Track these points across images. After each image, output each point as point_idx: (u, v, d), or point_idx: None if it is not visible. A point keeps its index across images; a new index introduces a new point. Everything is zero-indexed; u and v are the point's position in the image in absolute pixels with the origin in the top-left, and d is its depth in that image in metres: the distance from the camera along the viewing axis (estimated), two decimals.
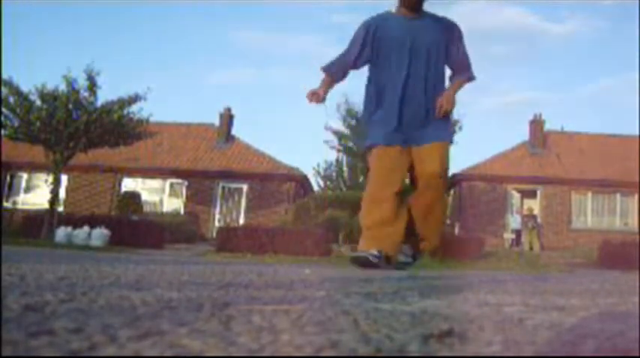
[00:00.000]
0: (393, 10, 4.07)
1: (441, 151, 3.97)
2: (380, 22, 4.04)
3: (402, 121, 3.96)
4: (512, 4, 54.04)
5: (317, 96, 4.18)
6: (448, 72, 4.22)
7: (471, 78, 4.19)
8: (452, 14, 53.71)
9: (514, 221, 21.44)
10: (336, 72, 4.33)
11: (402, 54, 3.93)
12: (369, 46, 4.03)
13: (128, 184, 22.78)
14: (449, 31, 4.05)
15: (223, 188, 22.92)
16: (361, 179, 29.86)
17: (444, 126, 4.06)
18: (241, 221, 22.02)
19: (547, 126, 24.65)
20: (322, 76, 4.44)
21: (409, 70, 3.93)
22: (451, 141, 4.17)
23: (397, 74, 3.95)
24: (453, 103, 3.98)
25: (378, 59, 4.04)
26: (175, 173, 22.88)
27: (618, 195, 22.02)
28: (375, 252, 3.84)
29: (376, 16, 4.10)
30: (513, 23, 53.61)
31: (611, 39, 54.17)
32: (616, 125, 67.27)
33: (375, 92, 4.10)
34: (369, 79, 4.18)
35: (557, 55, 56.52)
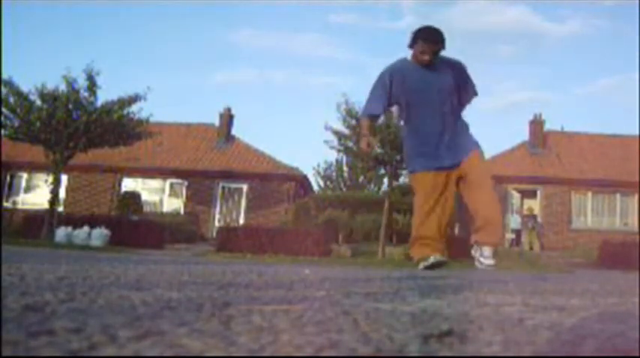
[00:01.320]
0: (409, 57, 4.78)
1: (479, 157, 4.86)
2: (404, 71, 4.77)
3: (440, 151, 4.76)
4: (514, 4, 54.04)
5: (370, 144, 4.95)
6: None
7: (475, 94, 4.95)
8: (454, 14, 53.65)
9: (513, 221, 21.44)
10: (375, 117, 5.15)
11: (426, 101, 4.73)
12: (398, 94, 4.77)
13: (128, 184, 22.77)
14: (456, 70, 4.78)
15: (223, 188, 22.92)
16: (361, 179, 29.91)
17: (469, 139, 4.90)
18: (241, 221, 22.02)
19: (547, 126, 24.65)
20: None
21: (435, 110, 4.73)
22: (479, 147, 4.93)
23: (428, 115, 4.75)
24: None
25: (409, 106, 4.81)
26: (175, 173, 22.88)
27: (618, 195, 22.02)
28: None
29: (398, 64, 4.83)
30: (515, 23, 53.62)
31: (612, 39, 54.18)
32: (616, 125, 67.28)
33: (412, 130, 4.93)
34: (405, 121, 5.02)
35: (558, 54, 56.54)
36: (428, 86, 4.69)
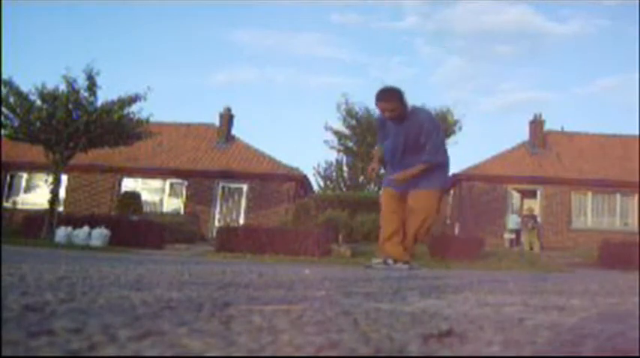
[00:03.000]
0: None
1: (427, 196, 5.61)
2: (384, 123, 5.69)
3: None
4: (515, 4, 54.01)
5: (374, 170, 6.05)
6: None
7: (425, 161, 5.54)
8: (455, 13, 53.57)
9: (512, 221, 21.44)
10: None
11: (400, 152, 5.60)
12: (384, 134, 5.76)
13: (128, 184, 22.76)
14: (420, 125, 5.46)
15: (223, 188, 22.92)
16: (361, 179, 29.93)
17: (429, 179, 5.59)
18: (241, 221, 22.01)
19: (547, 126, 24.65)
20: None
21: (398, 154, 5.62)
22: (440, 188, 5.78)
23: (394, 157, 5.68)
24: (403, 180, 5.57)
25: (385, 148, 5.77)
26: (175, 173, 22.87)
27: (618, 195, 22.01)
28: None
29: (380, 121, 5.87)
30: (516, 23, 53.59)
31: (613, 39, 54.16)
32: (616, 125, 67.27)
33: (386, 161, 5.93)
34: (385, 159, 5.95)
35: (559, 54, 56.52)
36: (396, 136, 5.52)
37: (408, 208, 5.61)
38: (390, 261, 5.46)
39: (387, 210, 5.70)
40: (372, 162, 6.00)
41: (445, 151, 5.74)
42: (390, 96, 5.34)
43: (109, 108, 14.82)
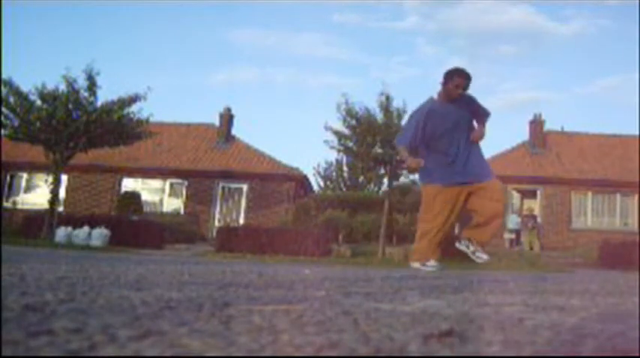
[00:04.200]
0: (435, 96, 5.81)
1: (499, 184, 5.80)
2: (431, 109, 5.73)
3: (455, 170, 5.64)
4: (517, 4, 53.99)
5: (417, 162, 5.71)
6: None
7: (488, 114, 5.86)
8: (456, 13, 53.59)
9: (512, 221, 21.43)
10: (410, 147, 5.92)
11: (451, 131, 5.67)
12: (423, 131, 5.69)
13: (128, 184, 22.76)
14: (468, 102, 5.75)
15: (223, 188, 22.91)
16: (361, 179, 29.92)
17: (485, 166, 5.89)
18: (241, 221, 22.01)
19: (547, 126, 24.65)
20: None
21: (453, 138, 5.66)
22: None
23: (448, 142, 5.67)
24: (482, 136, 5.75)
25: (434, 136, 5.70)
26: (175, 173, 22.87)
27: (618, 195, 22.01)
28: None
29: (427, 104, 5.81)
30: (517, 23, 53.58)
31: (614, 39, 54.12)
32: (616, 125, 67.25)
33: (434, 153, 5.73)
34: (429, 147, 5.79)
35: (560, 54, 56.48)
36: (449, 119, 5.66)
37: (485, 198, 5.57)
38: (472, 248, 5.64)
39: (445, 213, 5.66)
40: (408, 158, 5.80)
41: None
42: (466, 72, 5.69)
43: (109, 108, 14.81)
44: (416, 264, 5.82)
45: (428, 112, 5.75)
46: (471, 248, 5.65)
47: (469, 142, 5.72)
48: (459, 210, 5.77)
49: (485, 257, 5.67)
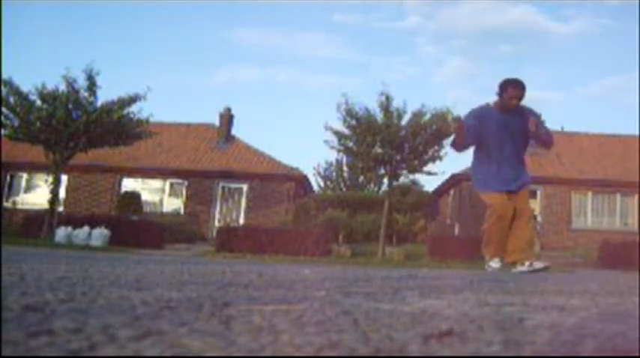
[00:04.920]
0: (491, 103, 5.92)
1: (527, 196, 6.17)
2: (484, 114, 5.89)
3: (507, 178, 5.92)
4: (517, 4, 53.95)
5: (461, 128, 5.78)
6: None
7: (550, 143, 6.18)
8: (458, 13, 53.60)
9: None
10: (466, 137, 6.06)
11: (501, 140, 5.87)
12: (478, 134, 5.86)
13: (128, 184, 22.76)
14: (528, 117, 5.78)
15: (223, 188, 22.91)
16: (361, 179, 29.91)
17: (525, 176, 6.15)
18: (241, 221, 22.01)
19: (547, 126, 24.62)
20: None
21: (504, 147, 5.88)
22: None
23: (499, 150, 5.89)
24: (537, 126, 5.79)
25: (486, 143, 5.91)
26: (175, 173, 22.87)
27: (618, 195, 22.00)
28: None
29: (479, 109, 5.96)
30: (518, 22, 53.53)
31: (615, 38, 54.08)
32: (616, 125, 67.24)
33: (485, 160, 6.03)
34: (476, 156, 6.15)
35: (561, 54, 56.45)
36: (503, 128, 5.80)
37: (521, 208, 5.88)
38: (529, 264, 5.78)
39: (507, 218, 5.83)
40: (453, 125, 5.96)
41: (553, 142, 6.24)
42: (522, 84, 5.75)
43: (109, 108, 14.82)
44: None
45: (478, 116, 5.91)
46: (527, 264, 5.78)
47: (519, 153, 5.98)
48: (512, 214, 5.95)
49: (541, 264, 5.88)
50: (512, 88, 5.69)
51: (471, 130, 5.78)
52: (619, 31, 51.42)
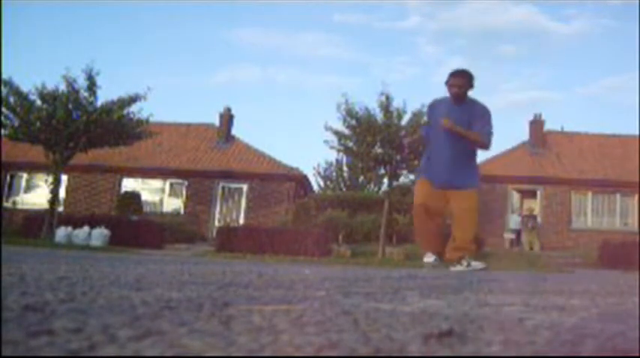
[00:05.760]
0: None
1: (469, 197, 5.89)
2: (436, 105, 6.08)
3: (443, 171, 5.83)
4: (519, 4, 53.92)
5: (413, 141, 6.40)
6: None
7: (480, 133, 5.80)
8: (459, 13, 53.56)
9: (512, 221, 21.44)
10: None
11: (446, 134, 5.76)
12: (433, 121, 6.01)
13: (128, 184, 22.76)
14: (477, 113, 5.84)
15: (223, 188, 22.91)
16: (361, 179, 29.91)
17: (471, 175, 5.99)
18: (241, 221, 22.01)
19: (547, 126, 24.64)
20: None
21: (447, 139, 5.78)
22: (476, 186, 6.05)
23: (442, 142, 5.84)
24: (450, 128, 5.72)
25: (433, 135, 5.99)
26: (175, 173, 22.87)
27: (618, 195, 22.00)
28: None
29: (437, 103, 6.07)
30: (519, 23, 53.50)
31: (618, 38, 54.03)
32: (616, 125, 67.21)
33: (429, 150, 6.11)
34: (427, 148, 6.26)
35: (562, 54, 56.42)
36: (448, 117, 5.73)
37: (458, 207, 5.83)
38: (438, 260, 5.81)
39: (428, 210, 5.83)
40: (411, 136, 6.41)
41: (491, 142, 6.03)
42: (462, 73, 5.81)
43: (109, 108, 14.81)
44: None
45: (430, 111, 6.16)
46: (464, 263, 5.74)
47: (464, 149, 5.84)
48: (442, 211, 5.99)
49: (480, 265, 5.80)
50: (453, 77, 5.76)
51: (424, 140, 6.16)
52: (619, 30, 51.43)
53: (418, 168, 6.29)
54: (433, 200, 5.83)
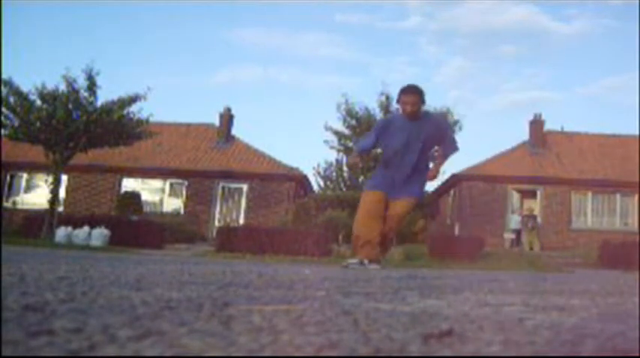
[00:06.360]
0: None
1: (407, 205, 5.99)
2: (390, 121, 6.17)
3: (393, 184, 5.90)
4: (519, 4, 53.91)
5: (357, 164, 6.36)
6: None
7: (455, 149, 6.00)
8: (459, 13, 53.58)
9: (513, 221, 21.44)
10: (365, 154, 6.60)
11: (399, 148, 5.80)
12: (381, 138, 5.92)
13: (128, 184, 22.76)
14: (436, 127, 5.95)
15: (223, 188, 22.91)
16: (361, 179, 29.92)
17: (414, 186, 5.98)
18: (241, 221, 22.01)
19: (547, 126, 24.64)
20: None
21: (400, 154, 5.81)
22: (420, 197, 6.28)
23: (395, 159, 5.86)
24: (437, 175, 6.08)
25: (386, 147, 5.95)
26: (175, 173, 22.87)
27: (618, 195, 22.00)
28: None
29: (390, 117, 6.39)
30: (519, 23, 53.48)
31: (618, 38, 54.01)
32: (616, 125, 67.23)
33: (382, 163, 6.16)
34: (381, 160, 6.29)
35: (562, 54, 56.41)
36: (404, 137, 5.77)
37: (391, 212, 5.88)
38: (365, 262, 5.68)
39: (374, 214, 5.88)
40: (352, 156, 6.29)
41: (457, 143, 6.09)
42: (414, 90, 5.73)
43: (109, 108, 14.82)
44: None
45: (384, 125, 6.06)
46: (358, 259, 5.78)
47: (417, 162, 5.86)
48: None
49: (372, 266, 5.73)
50: (404, 95, 5.71)
51: (364, 153, 6.34)
52: (620, 30, 51.42)
53: (369, 180, 6.28)
54: (380, 209, 5.87)
